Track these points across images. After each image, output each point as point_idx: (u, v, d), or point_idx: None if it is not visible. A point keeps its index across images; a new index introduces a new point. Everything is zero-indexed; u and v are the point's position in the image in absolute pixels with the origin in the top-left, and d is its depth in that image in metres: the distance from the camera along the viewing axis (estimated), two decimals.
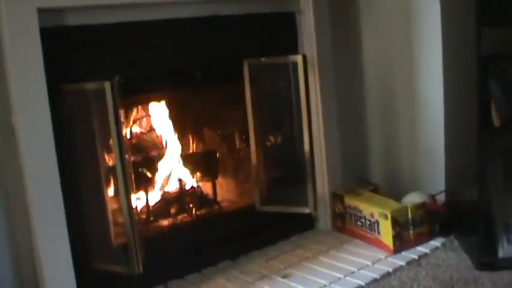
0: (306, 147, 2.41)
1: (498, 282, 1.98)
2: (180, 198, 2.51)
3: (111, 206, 2.01)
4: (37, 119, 1.81)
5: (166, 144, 2.51)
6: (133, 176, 2.00)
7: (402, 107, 2.72)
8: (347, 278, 2.11)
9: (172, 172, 2.53)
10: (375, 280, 2.08)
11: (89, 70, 1.96)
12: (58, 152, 1.85)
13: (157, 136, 2.49)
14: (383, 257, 2.25)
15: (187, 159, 2.56)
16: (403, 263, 2.18)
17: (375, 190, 2.62)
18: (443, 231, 2.36)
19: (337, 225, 2.54)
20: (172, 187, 2.53)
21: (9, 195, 1.91)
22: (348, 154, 2.69)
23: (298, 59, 2.35)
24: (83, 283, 1.93)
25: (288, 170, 2.51)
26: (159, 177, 2.47)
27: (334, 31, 2.54)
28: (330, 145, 2.53)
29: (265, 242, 2.45)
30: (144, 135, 2.45)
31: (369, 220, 2.35)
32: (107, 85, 1.85)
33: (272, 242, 2.46)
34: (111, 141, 1.90)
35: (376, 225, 2.31)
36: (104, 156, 2.00)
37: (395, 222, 2.26)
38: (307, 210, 2.47)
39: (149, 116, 2.46)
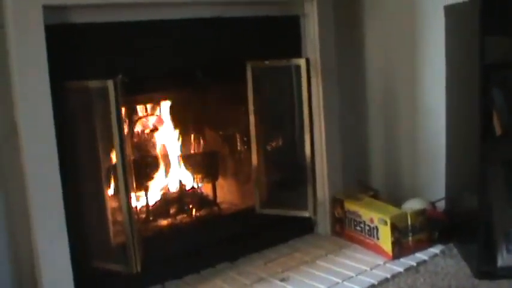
0: (307, 150, 2.41)
1: None
2: (180, 198, 2.51)
3: (111, 204, 2.01)
4: (39, 117, 1.81)
5: (167, 144, 2.51)
6: (133, 175, 2.00)
7: (404, 112, 2.72)
8: (345, 282, 2.11)
9: (173, 172, 2.53)
10: (373, 286, 2.08)
11: (92, 68, 1.96)
12: (59, 150, 1.85)
13: (159, 136, 2.49)
14: (381, 262, 2.24)
15: (188, 159, 2.56)
16: (401, 270, 2.18)
17: (375, 196, 2.62)
18: (443, 239, 2.36)
19: (337, 229, 2.54)
20: (173, 187, 2.53)
21: (9, 194, 1.91)
22: (348, 159, 2.70)
23: (301, 62, 2.35)
24: (81, 281, 1.93)
25: (289, 173, 2.51)
26: (159, 177, 2.47)
27: (338, 35, 2.54)
28: (331, 149, 2.53)
29: (264, 245, 2.44)
30: (146, 135, 2.46)
31: (369, 225, 2.34)
32: (110, 84, 1.86)
33: (271, 244, 2.46)
34: (112, 140, 1.90)
35: (375, 230, 2.31)
36: (104, 155, 2.00)
37: (394, 228, 2.25)
38: (306, 214, 2.46)
39: (151, 115, 2.46)
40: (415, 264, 2.22)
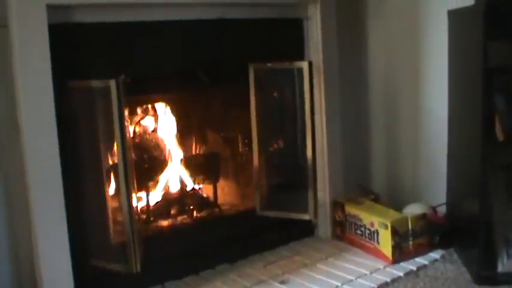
0: (309, 153, 2.41)
1: None
2: (181, 199, 2.51)
3: (112, 204, 2.01)
4: (42, 115, 1.81)
5: (168, 145, 2.51)
6: (134, 175, 2.00)
7: (406, 116, 2.72)
8: (345, 286, 2.11)
9: (174, 173, 2.53)
10: None
11: (95, 68, 1.96)
12: (61, 149, 1.85)
13: (161, 136, 2.49)
14: (381, 266, 2.24)
15: (190, 160, 2.56)
16: (401, 274, 2.18)
17: (376, 200, 2.62)
18: (443, 244, 2.35)
19: (337, 233, 2.54)
20: (174, 188, 2.53)
21: (10, 194, 1.92)
22: (350, 162, 2.70)
23: (304, 65, 2.35)
24: (81, 280, 1.93)
25: (290, 175, 2.51)
26: (160, 178, 2.47)
27: (341, 38, 2.54)
28: (332, 152, 2.53)
29: (265, 247, 2.44)
30: (148, 135, 2.46)
31: (369, 229, 2.34)
32: (113, 83, 1.86)
33: (271, 247, 2.46)
34: (114, 139, 1.91)
35: (375, 234, 2.31)
36: (106, 155, 2.01)
37: (395, 233, 2.25)
38: (307, 217, 2.47)
39: (153, 116, 2.47)
40: (415, 268, 2.21)
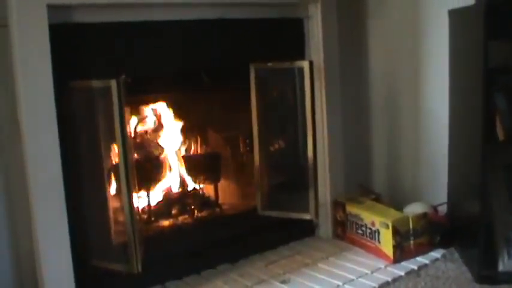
0: (310, 153, 2.41)
1: None
2: (182, 199, 2.51)
3: (113, 204, 2.01)
4: (43, 116, 1.81)
5: (169, 145, 2.51)
6: (135, 175, 2.00)
7: (407, 116, 2.72)
8: (345, 285, 2.11)
9: (175, 173, 2.53)
10: None
11: (96, 68, 1.96)
12: (62, 149, 1.85)
13: (162, 136, 2.49)
14: (382, 266, 2.24)
15: (191, 160, 2.56)
16: (402, 273, 2.18)
17: (377, 199, 2.62)
18: (444, 243, 2.35)
19: (338, 232, 2.54)
20: (175, 188, 2.54)
21: (11, 194, 1.92)
22: (351, 162, 2.69)
23: (305, 64, 2.35)
24: (82, 281, 1.93)
25: (291, 175, 2.51)
26: (161, 178, 2.47)
27: (342, 38, 2.54)
28: (333, 152, 2.53)
29: (266, 247, 2.44)
30: (149, 135, 2.46)
31: (370, 229, 2.34)
32: (113, 83, 1.86)
33: (272, 246, 2.46)
34: (115, 139, 1.91)
35: (376, 234, 2.31)
36: (107, 155, 2.01)
37: (396, 232, 2.25)
38: (308, 217, 2.47)
39: (154, 116, 2.47)
40: (416, 268, 2.21)
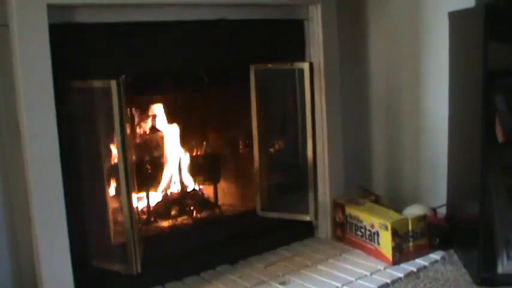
0: (309, 154, 2.41)
1: None
2: (182, 200, 2.51)
3: (112, 205, 2.01)
4: (42, 115, 1.81)
5: (169, 146, 2.51)
6: (135, 176, 2.00)
7: (407, 118, 2.72)
8: (344, 287, 2.10)
9: (174, 174, 2.53)
10: None
11: (96, 68, 1.96)
12: (61, 150, 1.85)
13: (161, 137, 2.49)
14: (382, 268, 2.24)
15: (190, 161, 2.56)
16: (401, 275, 2.17)
17: (377, 201, 2.62)
18: (443, 245, 2.35)
19: (337, 234, 2.54)
20: (174, 189, 2.53)
21: (10, 194, 1.91)
22: (350, 163, 2.69)
23: (305, 66, 2.35)
24: (81, 281, 1.93)
25: (290, 176, 2.51)
26: (161, 178, 2.47)
27: (342, 40, 2.54)
28: (333, 154, 2.53)
29: (265, 248, 2.44)
30: (148, 136, 2.46)
31: (369, 230, 2.34)
32: (113, 83, 1.86)
33: (272, 248, 2.46)
34: (115, 139, 1.91)
35: (376, 235, 2.31)
36: (107, 155, 2.01)
37: (395, 234, 2.25)
38: (307, 218, 2.47)
39: (154, 116, 2.46)
40: (415, 270, 2.21)
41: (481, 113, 1.98)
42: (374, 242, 2.32)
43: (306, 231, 2.58)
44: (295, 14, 2.46)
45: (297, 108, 2.42)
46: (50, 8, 1.78)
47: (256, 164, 2.46)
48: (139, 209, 2.33)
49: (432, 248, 2.34)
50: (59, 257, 1.87)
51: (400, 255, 2.26)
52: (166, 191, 2.51)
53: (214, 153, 2.65)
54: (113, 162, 2.02)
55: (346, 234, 2.48)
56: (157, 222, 2.40)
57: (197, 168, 2.57)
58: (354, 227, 2.43)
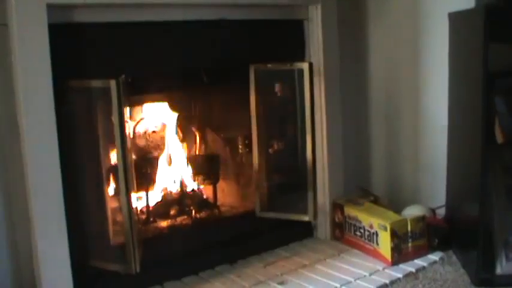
0: (309, 155, 2.41)
1: None
2: (181, 200, 2.51)
3: (111, 205, 2.01)
4: (41, 115, 1.81)
5: (169, 146, 2.51)
6: (134, 176, 2.00)
7: (406, 118, 2.72)
8: (343, 287, 2.11)
9: (174, 173, 2.53)
10: None
11: (95, 68, 1.96)
12: (61, 150, 1.85)
13: (161, 137, 2.49)
14: (380, 268, 2.24)
15: (189, 161, 2.56)
16: (400, 276, 2.17)
17: (376, 201, 2.62)
18: (442, 246, 2.35)
19: (336, 234, 2.54)
20: (173, 189, 2.53)
21: (10, 194, 1.91)
22: (349, 164, 2.69)
23: (304, 66, 2.35)
24: (80, 281, 1.92)
25: (289, 177, 2.51)
26: (160, 178, 2.47)
27: (342, 40, 2.54)
28: (332, 154, 2.53)
29: (264, 248, 2.44)
30: (148, 136, 2.46)
31: (368, 231, 2.34)
32: (113, 83, 1.86)
33: (270, 248, 2.46)
34: (114, 139, 1.90)
35: (375, 236, 2.31)
36: (106, 155, 2.01)
37: (394, 234, 2.25)
38: (306, 218, 2.47)
39: (153, 116, 2.46)
40: (414, 270, 2.21)
41: (481, 114, 1.98)
42: (373, 243, 2.32)
43: (305, 231, 2.58)
44: (295, 14, 2.46)
45: (297, 108, 2.42)
46: (50, 7, 1.78)
47: (256, 164, 2.46)
48: (139, 209, 2.33)
49: (431, 249, 2.34)
50: (58, 257, 1.87)
51: (399, 255, 2.26)
52: (165, 191, 2.51)
53: (214, 153, 2.64)
54: (112, 163, 2.02)
55: (345, 235, 2.48)
56: (156, 222, 2.40)
57: (197, 168, 2.57)
58: (352, 227, 2.43)
